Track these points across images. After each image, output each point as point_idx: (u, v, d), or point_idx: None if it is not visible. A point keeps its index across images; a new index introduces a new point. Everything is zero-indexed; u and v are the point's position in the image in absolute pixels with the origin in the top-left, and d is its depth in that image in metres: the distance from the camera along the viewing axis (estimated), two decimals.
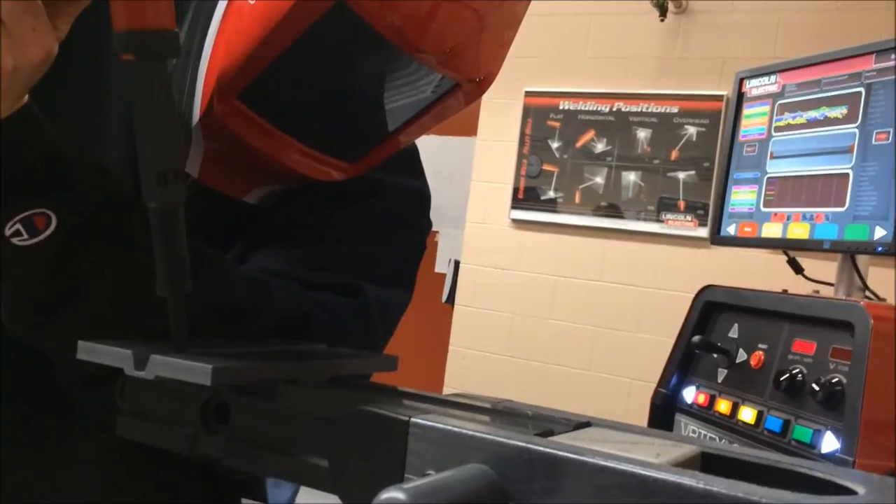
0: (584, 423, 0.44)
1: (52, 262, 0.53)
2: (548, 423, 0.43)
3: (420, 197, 0.77)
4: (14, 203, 0.52)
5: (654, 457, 0.36)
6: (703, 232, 3.14)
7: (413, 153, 0.77)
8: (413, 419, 0.40)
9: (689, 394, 1.80)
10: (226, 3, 0.57)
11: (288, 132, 0.59)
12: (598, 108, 3.42)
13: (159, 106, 0.47)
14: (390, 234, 0.73)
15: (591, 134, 3.43)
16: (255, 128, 0.58)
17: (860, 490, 0.35)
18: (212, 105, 0.56)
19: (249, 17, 0.54)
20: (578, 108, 3.45)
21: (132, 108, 0.48)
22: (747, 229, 1.91)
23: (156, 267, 0.48)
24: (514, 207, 3.55)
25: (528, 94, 3.54)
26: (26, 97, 0.51)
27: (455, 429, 0.38)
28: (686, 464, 0.38)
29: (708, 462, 0.40)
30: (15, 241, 0.52)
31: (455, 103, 0.62)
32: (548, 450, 0.35)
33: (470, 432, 0.38)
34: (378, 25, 0.52)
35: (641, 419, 1.92)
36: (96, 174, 0.55)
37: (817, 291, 1.78)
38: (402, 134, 0.64)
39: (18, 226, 0.52)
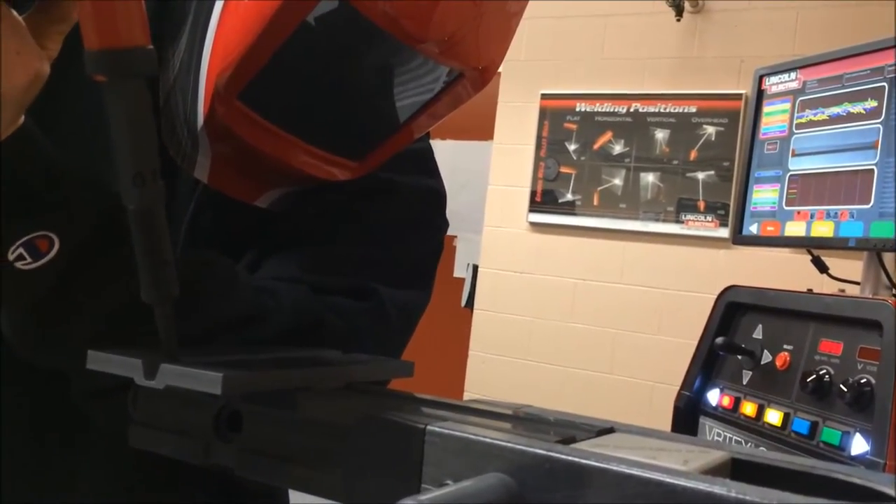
0: (607, 429, 0.42)
1: (56, 284, 0.52)
2: (569, 430, 0.41)
3: (435, 195, 0.75)
4: (16, 227, 0.51)
5: (681, 464, 0.35)
6: (724, 232, 3.11)
7: (426, 152, 0.76)
8: (429, 427, 0.38)
9: (714, 396, 1.78)
10: (223, 2, 0.55)
11: (292, 132, 0.58)
12: (615, 110, 3.39)
13: (135, 120, 0.45)
14: (406, 235, 0.71)
15: (608, 136, 3.41)
16: (258, 129, 0.57)
17: None
18: (214, 107, 0.55)
19: (244, 15, 0.53)
20: (595, 110, 3.43)
21: (109, 119, 0.46)
22: (770, 228, 1.89)
23: (140, 272, 0.47)
24: (531, 211, 3.54)
25: (543, 96, 3.53)
26: (22, 118, 0.50)
27: (473, 436, 0.37)
28: (716, 471, 0.36)
29: (738, 468, 0.38)
30: (19, 265, 0.51)
31: (459, 94, 0.60)
32: (570, 458, 0.34)
33: (488, 440, 0.36)
34: (372, 15, 0.51)
35: (665, 422, 1.90)
36: (98, 192, 0.54)
37: (843, 290, 1.75)
38: (407, 128, 0.63)
39: (21, 250, 0.51)
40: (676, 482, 0.31)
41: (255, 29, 0.51)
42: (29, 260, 0.51)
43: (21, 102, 0.47)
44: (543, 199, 3.51)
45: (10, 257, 0.51)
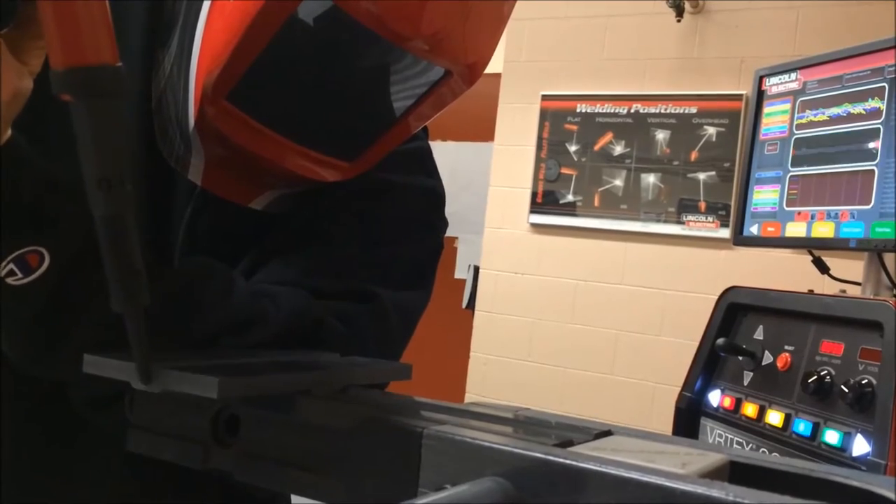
0: (605, 432, 0.42)
1: (49, 298, 0.52)
2: (568, 433, 0.41)
3: (434, 195, 0.75)
4: (5, 242, 0.50)
5: (679, 467, 0.34)
6: (725, 233, 3.10)
7: (425, 151, 0.76)
8: (427, 430, 0.38)
9: (715, 397, 1.77)
10: (210, 3, 0.55)
11: (282, 132, 0.58)
12: (616, 111, 3.39)
13: (102, 131, 0.43)
14: (405, 235, 0.71)
15: (609, 136, 3.40)
16: (247, 129, 0.57)
17: None
18: (203, 109, 0.55)
19: (229, 16, 0.52)
20: (596, 111, 3.43)
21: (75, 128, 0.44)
22: (770, 229, 1.88)
23: (109, 280, 0.45)
24: (532, 212, 3.53)
25: (544, 97, 3.52)
26: (9, 132, 0.49)
27: (470, 440, 0.37)
28: (714, 474, 0.36)
29: (737, 472, 0.38)
30: (10, 280, 0.50)
31: (449, 91, 0.60)
32: (567, 461, 0.34)
33: (486, 443, 0.36)
34: (358, 15, 0.51)
35: (666, 424, 1.90)
36: (86, 204, 0.53)
37: (844, 291, 1.74)
38: (397, 127, 0.63)
39: (12, 265, 0.50)
40: (674, 486, 0.31)
41: (240, 29, 0.51)
42: (20, 275, 0.50)
43: (4, 118, 0.47)
44: (544, 200, 3.51)
45: (1, 273, 0.50)
